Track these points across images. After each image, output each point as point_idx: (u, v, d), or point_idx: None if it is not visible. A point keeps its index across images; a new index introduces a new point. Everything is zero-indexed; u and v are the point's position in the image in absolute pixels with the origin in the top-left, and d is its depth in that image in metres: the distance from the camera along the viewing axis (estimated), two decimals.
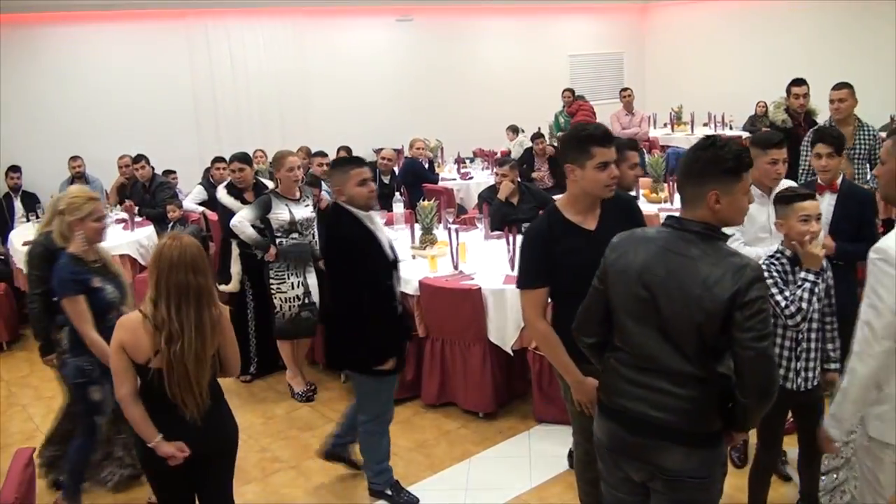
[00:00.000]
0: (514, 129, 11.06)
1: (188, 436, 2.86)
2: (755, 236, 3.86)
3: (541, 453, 4.48)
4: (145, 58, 9.82)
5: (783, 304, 3.10)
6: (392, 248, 3.87)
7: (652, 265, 2.31)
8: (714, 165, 2.24)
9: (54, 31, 9.22)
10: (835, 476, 3.43)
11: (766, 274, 2.93)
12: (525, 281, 2.98)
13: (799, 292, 3.10)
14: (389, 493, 4.01)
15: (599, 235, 2.77)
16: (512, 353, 4.81)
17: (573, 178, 2.87)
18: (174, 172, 9.19)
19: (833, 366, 3.28)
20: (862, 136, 5.55)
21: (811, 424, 3.14)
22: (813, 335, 3.25)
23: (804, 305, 3.08)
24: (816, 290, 3.11)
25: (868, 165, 5.51)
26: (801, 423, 3.41)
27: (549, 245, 2.89)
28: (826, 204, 3.92)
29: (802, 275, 3.13)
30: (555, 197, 4.31)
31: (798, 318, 3.09)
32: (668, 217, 2.38)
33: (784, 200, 3.22)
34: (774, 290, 3.11)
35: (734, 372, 2.24)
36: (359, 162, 3.81)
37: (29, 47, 9.03)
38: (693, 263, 2.23)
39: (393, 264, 3.83)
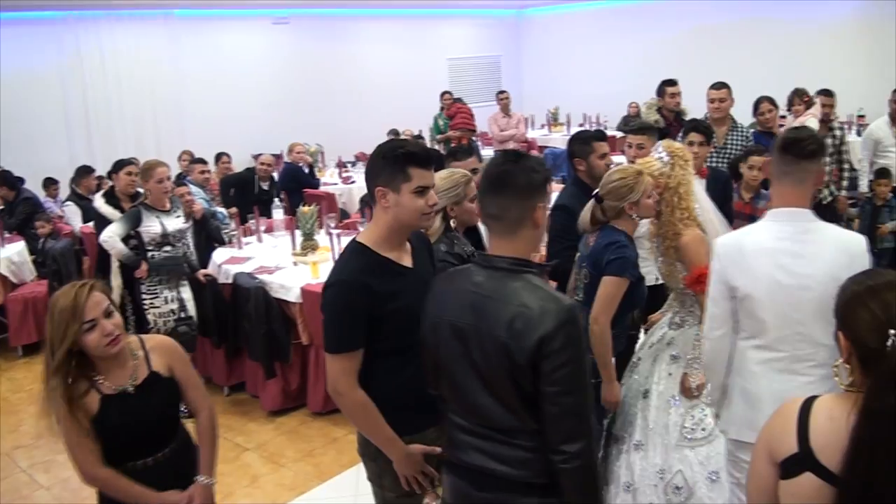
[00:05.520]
0: (396, 133, 11.07)
1: None
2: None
3: None
4: (8, 59, 9.26)
5: None
6: None
7: (460, 311, 2.06)
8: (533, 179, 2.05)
9: None
10: None
11: None
12: (341, 343, 2.35)
13: None
14: None
15: (418, 273, 2.45)
16: None
17: (384, 204, 2.37)
18: (56, 183, 8.72)
19: None
20: (735, 137, 5.76)
21: None
22: None
23: None
24: None
25: None
26: None
27: (372, 293, 2.32)
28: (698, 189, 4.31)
29: None
30: None
31: None
32: (476, 253, 2.13)
33: None
34: None
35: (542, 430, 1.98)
36: (603, 136, 4.23)
37: None
38: (499, 305, 1.97)
39: None
